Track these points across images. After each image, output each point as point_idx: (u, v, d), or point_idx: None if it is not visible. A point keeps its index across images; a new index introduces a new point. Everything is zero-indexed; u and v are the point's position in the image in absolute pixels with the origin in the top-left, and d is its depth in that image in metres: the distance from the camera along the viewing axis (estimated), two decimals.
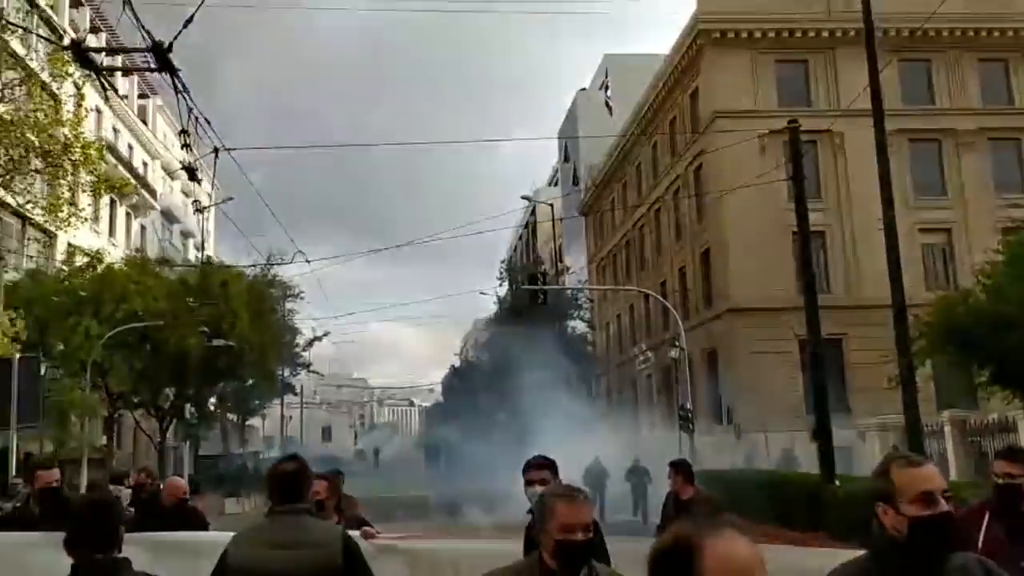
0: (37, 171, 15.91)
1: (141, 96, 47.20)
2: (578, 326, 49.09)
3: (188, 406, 29.50)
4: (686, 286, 38.44)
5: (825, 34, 34.44)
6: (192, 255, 48.05)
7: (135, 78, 43.60)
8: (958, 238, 34.05)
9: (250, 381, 32.84)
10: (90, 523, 3.01)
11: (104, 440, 26.99)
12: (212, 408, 33.53)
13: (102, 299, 23.36)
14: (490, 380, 48.88)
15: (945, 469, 19.06)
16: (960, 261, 33.46)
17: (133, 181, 31.35)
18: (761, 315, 32.20)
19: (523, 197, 59.51)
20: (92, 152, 16.07)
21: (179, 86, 6.76)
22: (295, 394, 50.81)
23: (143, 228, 44.10)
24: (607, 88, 58.22)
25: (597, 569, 3.02)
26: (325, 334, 41.66)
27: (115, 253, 32.69)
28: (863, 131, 24.08)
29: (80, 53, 6.46)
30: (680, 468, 7.70)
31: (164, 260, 32.27)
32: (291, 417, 64.05)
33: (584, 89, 61.58)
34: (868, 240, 28.76)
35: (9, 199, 17.60)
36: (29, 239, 26.59)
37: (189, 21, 6.16)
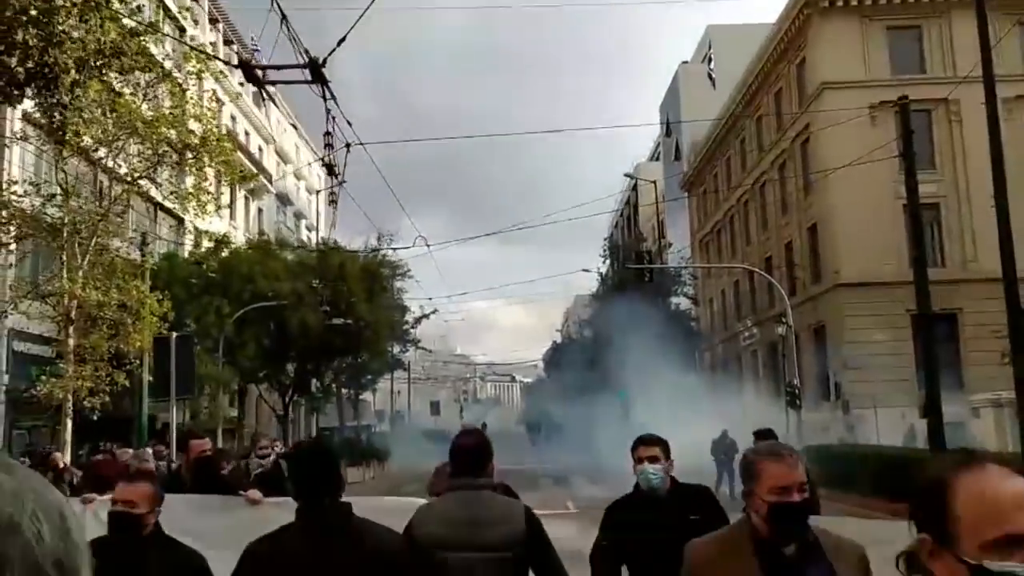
0: (177, 163, 17.24)
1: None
2: (682, 302, 48.96)
3: (314, 381, 31.11)
4: (793, 261, 37.93)
5: None
6: (304, 235, 50.09)
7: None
8: None
9: (363, 357, 34.28)
10: (315, 469, 3.09)
11: (235, 412, 28.84)
12: (329, 383, 35.24)
13: (230, 280, 24.97)
14: (592, 355, 49.35)
15: None
16: None
17: (254, 168, 33.01)
18: (871, 290, 31.65)
19: (626, 175, 59.36)
20: (226, 145, 17.31)
21: (327, 95, 7.49)
22: (404, 369, 52.54)
23: (260, 211, 46.25)
24: (710, 60, 57.38)
25: (815, 531, 2.70)
26: (433, 311, 42.95)
27: (237, 236, 34.59)
28: (981, 99, 23.50)
29: (248, 70, 7.24)
30: (761, 437, 7.21)
31: (283, 243, 33.93)
32: (399, 392, 66.14)
33: (686, 62, 60.81)
34: (985, 212, 27.75)
35: (153, 192, 19.07)
36: (171, 225, 28.52)
37: (342, 40, 6.87)
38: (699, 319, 49.53)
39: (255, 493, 6.04)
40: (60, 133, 13.28)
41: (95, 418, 16.57)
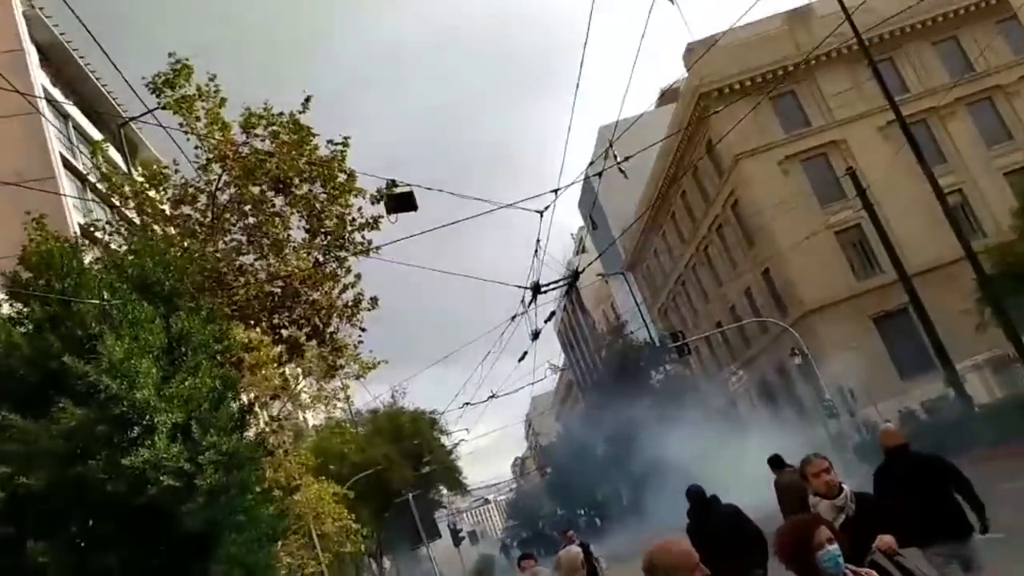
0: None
1: None
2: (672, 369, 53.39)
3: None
4: (756, 304, 43.31)
5: (802, 66, 40.18)
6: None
7: None
8: (970, 193, 39.16)
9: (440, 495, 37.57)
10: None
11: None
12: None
13: (329, 461, 28.35)
14: (594, 445, 52.56)
15: None
16: (976, 211, 38.61)
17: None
18: (832, 308, 37.25)
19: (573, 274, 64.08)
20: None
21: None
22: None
23: None
24: (615, 156, 64.07)
25: None
26: (456, 444, 46.45)
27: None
28: (858, 132, 30.24)
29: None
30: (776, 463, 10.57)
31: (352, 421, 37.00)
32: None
33: (593, 163, 67.53)
34: (901, 221, 33.95)
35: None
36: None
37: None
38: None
39: None
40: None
41: None
